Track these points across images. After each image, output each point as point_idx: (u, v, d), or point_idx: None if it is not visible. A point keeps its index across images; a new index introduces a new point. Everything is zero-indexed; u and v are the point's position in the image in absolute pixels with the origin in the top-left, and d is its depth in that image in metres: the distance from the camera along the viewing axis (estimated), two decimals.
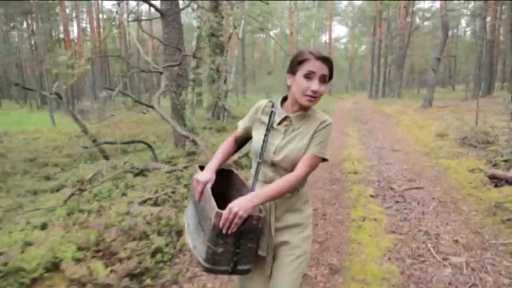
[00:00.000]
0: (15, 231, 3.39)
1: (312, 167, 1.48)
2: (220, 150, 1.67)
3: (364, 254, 3.08)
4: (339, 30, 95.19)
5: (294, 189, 1.51)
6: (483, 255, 3.00)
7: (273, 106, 1.60)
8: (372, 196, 4.69)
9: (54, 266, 2.71)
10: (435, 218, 3.87)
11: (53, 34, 33.12)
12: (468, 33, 47.87)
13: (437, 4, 25.64)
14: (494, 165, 5.17)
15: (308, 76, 1.43)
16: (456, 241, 3.29)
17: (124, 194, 4.41)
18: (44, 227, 3.54)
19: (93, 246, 2.95)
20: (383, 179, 5.54)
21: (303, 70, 1.44)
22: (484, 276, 2.69)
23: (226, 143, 1.72)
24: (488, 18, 26.64)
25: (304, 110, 1.53)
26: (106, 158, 5.86)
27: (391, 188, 5.04)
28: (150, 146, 5.72)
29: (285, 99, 1.60)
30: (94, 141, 5.77)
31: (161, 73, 5.55)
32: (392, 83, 32.88)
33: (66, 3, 26.16)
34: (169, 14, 6.86)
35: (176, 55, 6.60)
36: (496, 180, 4.48)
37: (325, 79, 1.46)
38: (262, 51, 54.32)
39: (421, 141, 8.55)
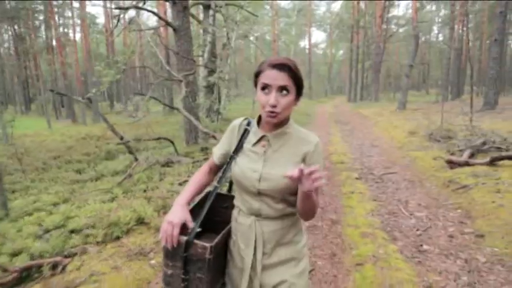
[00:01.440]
0: (91, 204, 4.45)
1: (317, 195, 1.31)
2: (191, 182, 1.49)
3: (354, 213, 4.28)
4: (318, 36, 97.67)
5: (286, 219, 1.37)
6: (437, 211, 4.25)
7: (248, 124, 1.44)
8: (357, 178, 5.92)
9: (140, 221, 3.80)
10: (405, 191, 5.13)
11: (41, 40, 33.38)
12: (441, 38, 50.48)
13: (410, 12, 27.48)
14: (452, 154, 6.51)
15: (264, 89, 1.27)
16: (419, 204, 4.54)
17: (161, 179, 5.50)
18: (112, 200, 4.60)
19: (161, 208, 4.05)
20: (364, 167, 6.80)
21: (259, 83, 1.28)
22: (437, 223, 3.93)
23: (199, 174, 1.53)
24: (456, 27, 28.70)
25: (281, 127, 1.35)
26: (131, 152, 6.87)
27: (371, 173, 6.29)
28: (172, 142, 6.78)
29: (261, 117, 1.40)
30: (121, 138, 6.79)
31: (181, 81, 6.65)
32: (369, 87, 34.72)
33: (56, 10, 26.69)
34: (182, 29, 7.97)
35: (188, 65, 7.72)
36: (452, 164, 5.78)
37: (287, 89, 1.25)
38: (244, 57, 55.56)
39: (396, 138, 9.91)
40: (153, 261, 3.20)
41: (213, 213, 1.48)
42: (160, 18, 7.96)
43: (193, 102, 7.08)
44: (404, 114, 16.67)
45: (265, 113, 1.27)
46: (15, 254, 3.33)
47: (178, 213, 1.31)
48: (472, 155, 6.08)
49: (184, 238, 1.27)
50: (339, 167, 6.78)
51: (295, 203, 1.31)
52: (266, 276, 1.36)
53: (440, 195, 4.78)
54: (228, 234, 1.46)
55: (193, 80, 7.91)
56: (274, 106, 1.24)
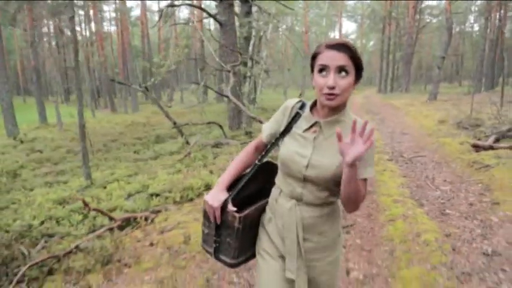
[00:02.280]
0: (160, 175, 5.32)
1: (365, 187, 1.31)
2: (235, 162, 1.51)
3: (387, 185, 4.95)
4: (348, 26, 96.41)
5: (326, 207, 1.37)
6: (460, 186, 4.86)
7: (301, 108, 1.40)
8: (388, 160, 6.55)
9: (208, 187, 4.63)
10: (433, 170, 5.73)
11: (82, 35, 35.02)
12: (476, 29, 49.19)
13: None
14: (479, 139, 7.00)
15: (322, 71, 1.24)
16: (445, 180, 5.15)
17: (215, 157, 6.33)
18: (177, 173, 5.47)
19: None
20: (395, 151, 7.39)
21: (316, 66, 1.26)
22: (459, 194, 4.55)
23: (244, 153, 1.53)
24: (492, 17, 28.16)
25: (335, 114, 1.32)
26: (182, 135, 7.75)
27: (401, 156, 6.89)
28: (221, 126, 7.61)
29: (316, 103, 1.38)
30: (174, 123, 7.68)
31: (229, 71, 7.44)
32: (400, 79, 34.54)
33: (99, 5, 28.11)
34: (228, 24, 8.74)
35: (233, 56, 8.49)
36: (477, 148, 6.31)
37: (346, 70, 1.22)
38: (275, 49, 56.03)
39: (425, 126, 10.37)
40: None
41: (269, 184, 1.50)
42: (209, 14, 8.77)
43: (239, 91, 7.86)
44: (435, 105, 16.90)
45: (323, 96, 1.24)
46: (111, 210, 4.23)
47: (217, 196, 1.38)
48: (497, 140, 6.57)
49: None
50: None
51: (338, 192, 1.32)
52: (307, 259, 1.39)
53: (464, 173, 5.36)
54: (263, 209, 1.50)
55: (236, 71, 8.70)
56: (332, 88, 1.21)
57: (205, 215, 1.43)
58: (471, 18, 49.07)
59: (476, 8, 44.00)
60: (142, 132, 10.93)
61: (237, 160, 1.50)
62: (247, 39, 12.98)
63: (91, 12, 37.17)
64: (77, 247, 3.04)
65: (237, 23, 13.03)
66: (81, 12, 34.79)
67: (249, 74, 8.79)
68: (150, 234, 3.48)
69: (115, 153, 8.02)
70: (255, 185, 1.49)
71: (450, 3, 19.60)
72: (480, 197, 4.39)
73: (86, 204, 3.25)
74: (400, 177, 5.35)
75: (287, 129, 1.39)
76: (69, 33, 38.17)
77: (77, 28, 39.12)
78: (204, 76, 20.86)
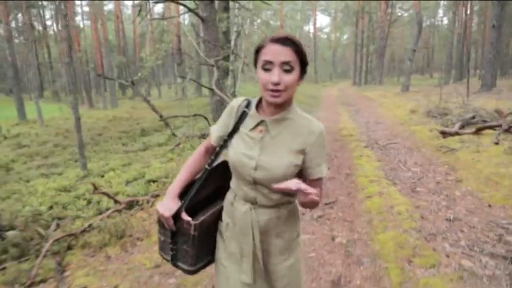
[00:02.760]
0: (154, 164, 5.63)
1: (321, 187, 1.32)
2: (185, 167, 1.45)
3: (364, 168, 5.44)
4: (322, 20, 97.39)
5: (283, 208, 1.35)
6: (429, 167, 5.40)
7: (247, 106, 1.34)
8: (364, 147, 7.06)
9: None
10: (405, 155, 6.27)
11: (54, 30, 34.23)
12: (445, 22, 50.90)
13: None
14: (446, 126, 7.62)
15: (266, 67, 1.17)
16: (415, 163, 5.69)
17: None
18: (169, 161, 5.78)
19: None
20: (370, 139, 7.92)
21: (259, 61, 1.19)
22: (428, 174, 5.08)
23: (194, 157, 1.47)
24: (460, 10, 29.38)
25: (282, 112, 1.26)
26: (168, 128, 8.02)
27: (376, 143, 7.42)
28: (206, 118, 7.92)
29: (261, 100, 1.31)
30: (161, 116, 7.95)
31: (213, 65, 7.76)
32: (374, 71, 35.59)
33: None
34: (209, 20, 9.02)
35: (215, 51, 8.79)
36: (444, 134, 6.90)
37: (290, 65, 1.16)
38: (251, 43, 56.20)
39: (398, 116, 11.00)
40: None
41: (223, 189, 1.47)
42: (190, 10, 9.00)
43: (222, 85, 8.19)
44: (407, 96, 17.70)
45: (267, 92, 1.18)
46: (115, 195, 4.53)
47: (168, 206, 1.33)
48: (462, 127, 7.19)
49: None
50: (348, 139, 7.92)
51: (292, 194, 1.30)
52: (264, 262, 1.37)
53: (433, 157, 5.92)
54: (219, 213, 1.46)
55: (219, 66, 9.01)
56: (277, 84, 1.16)
57: (160, 223, 1.39)
58: (440, 12, 50.90)
59: (445, 3, 45.70)
60: (126, 126, 11.10)
61: (187, 165, 1.44)
62: (225, 34, 13.27)
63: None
64: (89, 226, 3.35)
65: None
66: (52, 6, 33.99)
67: (231, 68, 9.13)
68: (154, 215, 3.82)
69: (104, 146, 8.22)
70: (207, 189, 1.44)
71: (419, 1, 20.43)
72: (446, 176, 4.93)
73: (95, 187, 3.55)
74: (375, 162, 5.85)
75: (234, 130, 1.33)
76: (40, 27, 37.30)
77: (48, 22, 38.18)
78: (181, 71, 21.04)
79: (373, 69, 36.85)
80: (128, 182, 4.98)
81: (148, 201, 4.27)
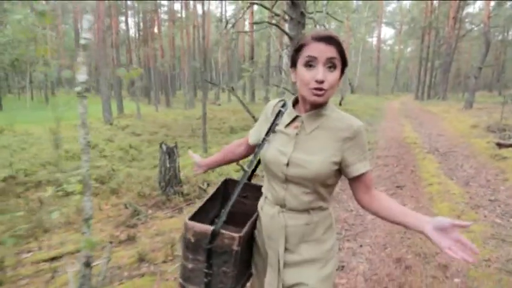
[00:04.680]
0: None
1: (372, 180, 1.26)
2: (223, 149, 1.58)
3: (426, 167, 6.79)
4: (385, 31, 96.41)
5: (314, 214, 1.26)
6: (482, 170, 6.63)
7: (283, 106, 1.34)
8: (426, 152, 8.34)
9: None
10: (462, 160, 7.50)
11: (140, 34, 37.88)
12: None
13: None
14: (503, 140, 8.67)
15: (309, 64, 1.15)
16: (471, 166, 6.93)
17: None
18: None
19: None
20: (432, 147, 9.14)
21: (302, 58, 1.17)
22: (480, 174, 6.33)
23: (232, 145, 1.57)
24: None
25: (317, 108, 1.23)
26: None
27: (437, 150, 8.65)
28: None
29: (297, 100, 1.31)
30: (253, 117, 9.71)
31: None
32: (437, 86, 35.48)
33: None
34: (296, 38, 10.72)
35: None
36: (500, 146, 8.01)
37: (334, 64, 1.14)
38: None
39: (459, 129, 11.99)
40: None
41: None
42: (282, 30, 10.75)
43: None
44: (469, 112, 18.25)
45: (310, 91, 1.15)
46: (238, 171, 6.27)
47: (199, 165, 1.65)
48: None
49: (210, 228, 1.20)
50: (412, 146, 9.21)
51: (327, 195, 1.26)
52: (287, 274, 1.27)
53: (487, 162, 7.12)
54: (255, 224, 1.40)
55: None
56: (321, 82, 1.13)
57: (188, 245, 1.25)
58: None
59: None
60: (216, 124, 13.10)
61: (224, 149, 1.59)
62: None
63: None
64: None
65: None
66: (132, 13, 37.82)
67: None
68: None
69: (208, 138, 10.18)
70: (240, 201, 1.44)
71: (489, 17, 20.77)
72: (495, 176, 6.16)
73: (241, 165, 5.30)
74: (436, 163, 7.16)
75: (270, 129, 1.32)
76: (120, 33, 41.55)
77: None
78: (253, 78, 22.95)
79: (437, 84, 36.71)
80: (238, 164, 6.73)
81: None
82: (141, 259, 3.24)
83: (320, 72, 1.13)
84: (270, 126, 1.33)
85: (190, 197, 4.94)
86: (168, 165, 4.66)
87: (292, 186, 1.24)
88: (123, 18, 37.82)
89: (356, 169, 1.21)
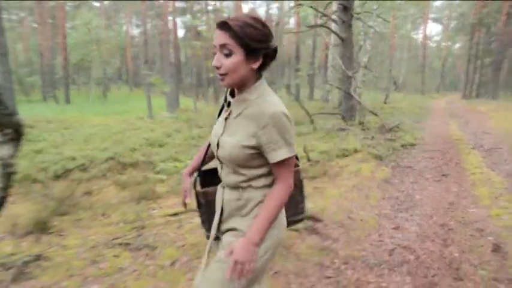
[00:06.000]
0: (317, 144, 8.29)
1: (286, 170, 1.29)
2: (199, 151, 1.64)
3: (470, 160, 7.47)
4: (431, 28, 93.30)
5: (244, 192, 1.37)
6: None
7: (231, 93, 1.40)
8: (471, 148, 8.94)
9: (355, 150, 7.53)
10: (506, 156, 8.07)
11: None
12: None
13: None
14: None
15: (214, 51, 1.25)
16: None
17: (346, 135, 9.19)
18: (328, 143, 8.43)
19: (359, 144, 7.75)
20: (477, 143, 9.69)
21: None
22: None
23: (206, 143, 1.62)
24: None
25: (242, 93, 1.31)
26: (312, 122, 10.71)
27: (481, 147, 9.20)
28: (344, 117, 10.44)
29: None
30: (307, 113, 10.66)
31: (351, 77, 10.24)
32: (487, 85, 34.57)
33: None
34: (347, 40, 11.54)
35: (351, 65, 11.27)
36: None
37: (229, 50, 1.20)
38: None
39: (506, 129, 12.32)
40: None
41: None
42: (334, 32, 11.62)
43: (348, 91, 10.64)
44: None
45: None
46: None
47: (182, 183, 1.59)
48: None
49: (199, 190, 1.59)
50: (457, 142, 9.81)
51: (253, 178, 1.34)
52: (219, 241, 1.46)
53: None
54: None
55: (349, 75, 11.49)
56: (217, 68, 1.23)
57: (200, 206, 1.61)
58: None
59: None
60: None
61: (201, 149, 1.64)
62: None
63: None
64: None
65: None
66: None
67: (363, 79, 11.49)
68: (343, 167, 6.45)
69: None
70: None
71: None
72: None
73: (305, 151, 6.31)
74: (480, 158, 7.81)
75: (219, 114, 1.44)
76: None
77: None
78: (297, 75, 23.86)
79: (487, 82, 35.75)
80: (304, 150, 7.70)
81: (322, 160, 6.94)
82: None
83: (215, 58, 1.24)
84: (219, 112, 1.46)
85: None
86: None
87: (224, 166, 1.39)
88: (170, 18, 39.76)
89: (270, 157, 1.27)
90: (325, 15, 14.00)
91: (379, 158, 7.32)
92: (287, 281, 2.81)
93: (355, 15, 15.07)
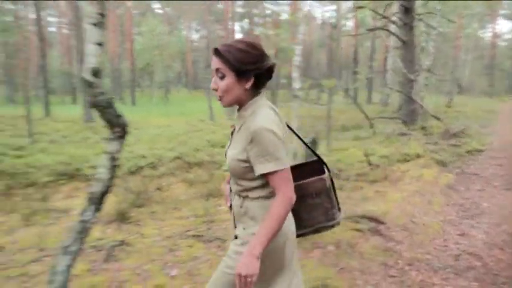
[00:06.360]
0: (377, 148, 8.25)
1: (281, 183, 1.34)
2: None
3: None
4: (501, 25, 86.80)
5: (246, 200, 1.47)
6: None
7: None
8: None
9: (418, 155, 7.42)
10: None
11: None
12: None
13: None
14: None
15: (212, 76, 1.40)
16: None
17: (408, 140, 9.03)
18: (388, 147, 8.35)
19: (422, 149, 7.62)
20: None
21: None
22: None
23: None
24: None
25: (240, 110, 1.45)
26: (371, 126, 10.62)
27: None
28: (405, 121, 10.24)
29: None
30: (367, 116, 10.59)
31: (412, 80, 10.03)
32: None
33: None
34: (409, 43, 11.28)
35: (412, 69, 11.01)
36: None
37: (222, 73, 1.36)
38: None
39: None
40: None
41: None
42: (393, 34, 11.43)
43: (409, 94, 10.38)
44: None
45: None
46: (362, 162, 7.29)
47: (225, 191, 1.72)
48: None
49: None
50: None
51: (249, 189, 1.43)
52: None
53: None
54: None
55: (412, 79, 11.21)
56: (214, 90, 1.39)
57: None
58: None
59: None
60: (323, 122, 14.18)
61: None
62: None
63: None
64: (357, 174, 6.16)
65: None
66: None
67: (426, 82, 11.18)
68: (405, 172, 6.43)
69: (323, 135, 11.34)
70: None
71: None
72: None
73: (366, 155, 6.38)
74: None
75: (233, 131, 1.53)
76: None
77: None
78: (355, 79, 23.52)
79: None
80: (366, 155, 7.67)
81: (383, 164, 6.93)
82: None
83: (212, 81, 1.40)
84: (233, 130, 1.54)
85: None
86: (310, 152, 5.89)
87: (231, 175, 1.52)
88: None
89: (257, 169, 1.35)
90: (384, 17, 13.78)
91: (442, 164, 7.16)
92: (352, 277, 2.96)
93: (416, 17, 14.67)
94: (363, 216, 4.03)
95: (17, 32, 22.92)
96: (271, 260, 1.43)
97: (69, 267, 2.18)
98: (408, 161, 7.22)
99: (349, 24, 29.06)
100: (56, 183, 7.14)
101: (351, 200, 4.96)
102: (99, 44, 2.13)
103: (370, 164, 6.72)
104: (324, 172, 1.67)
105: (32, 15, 20.99)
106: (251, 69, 1.36)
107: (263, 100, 1.43)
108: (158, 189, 6.29)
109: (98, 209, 2.27)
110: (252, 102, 1.41)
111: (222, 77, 1.36)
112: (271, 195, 1.42)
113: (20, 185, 6.96)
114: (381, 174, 6.11)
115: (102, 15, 2.09)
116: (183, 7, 44.30)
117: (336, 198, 1.71)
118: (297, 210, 1.55)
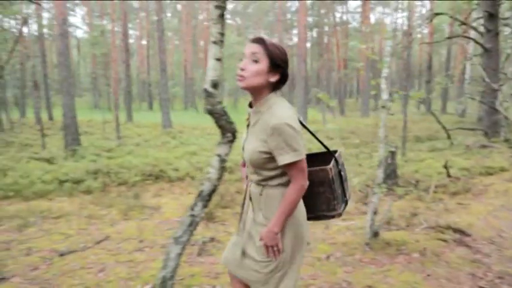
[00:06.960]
0: (456, 161, 7.95)
1: (297, 172, 1.49)
2: None
3: None
4: None
5: (264, 189, 1.60)
6: None
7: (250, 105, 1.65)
8: None
9: (503, 168, 7.06)
10: None
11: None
12: None
13: None
14: None
15: (241, 58, 1.50)
16: None
17: (490, 153, 8.58)
18: (469, 159, 8.02)
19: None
20: None
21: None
22: None
23: None
24: None
25: (257, 104, 1.55)
26: (449, 137, 10.20)
27: None
28: (486, 133, 9.72)
29: None
30: (444, 127, 10.20)
31: (496, 90, 9.47)
32: None
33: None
34: (493, 50, 10.69)
35: (495, 78, 10.38)
36: None
37: (257, 57, 1.45)
38: None
39: None
40: None
41: None
42: (477, 43, 10.90)
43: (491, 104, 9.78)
44: None
45: (237, 77, 1.51)
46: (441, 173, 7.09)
47: (241, 173, 1.93)
48: None
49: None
50: None
51: (269, 178, 1.57)
52: (247, 224, 1.70)
53: None
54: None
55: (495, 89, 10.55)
56: (242, 69, 1.47)
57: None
58: None
59: None
60: (400, 132, 13.81)
61: None
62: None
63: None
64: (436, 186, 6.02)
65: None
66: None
67: (511, 92, 10.47)
68: (488, 186, 6.18)
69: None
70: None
71: None
72: None
73: (446, 166, 6.23)
74: None
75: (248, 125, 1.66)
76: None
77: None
78: (429, 88, 22.51)
79: None
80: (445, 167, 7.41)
81: (458, 178, 6.69)
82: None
83: (243, 62, 1.48)
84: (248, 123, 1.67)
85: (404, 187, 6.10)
86: (389, 161, 5.90)
87: (248, 165, 1.62)
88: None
89: (278, 160, 1.48)
90: (464, 24, 13.15)
91: None
92: (439, 284, 3.01)
93: (502, 21, 13.79)
94: (448, 227, 4.01)
95: (104, 45, 25.22)
96: (291, 232, 1.58)
97: (179, 255, 2.45)
98: (492, 174, 6.89)
99: (424, 31, 27.90)
100: (143, 182, 7.86)
101: (431, 211, 4.92)
102: (218, 59, 2.40)
103: (449, 176, 6.53)
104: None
105: (117, 29, 23.04)
106: (282, 66, 1.50)
107: (278, 97, 1.55)
108: (237, 192, 6.66)
109: (205, 206, 2.49)
110: (267, 98, 1.53)
111: (256, 61, 1.47)
112: (288, 183, 1.55)
113: (113, 183, 7.77)
114: (462, 187, 5.93)
115: (222, 34, 2.32)
116: (253, 18, 45.59)
117: (344, 190, 1.82)
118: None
